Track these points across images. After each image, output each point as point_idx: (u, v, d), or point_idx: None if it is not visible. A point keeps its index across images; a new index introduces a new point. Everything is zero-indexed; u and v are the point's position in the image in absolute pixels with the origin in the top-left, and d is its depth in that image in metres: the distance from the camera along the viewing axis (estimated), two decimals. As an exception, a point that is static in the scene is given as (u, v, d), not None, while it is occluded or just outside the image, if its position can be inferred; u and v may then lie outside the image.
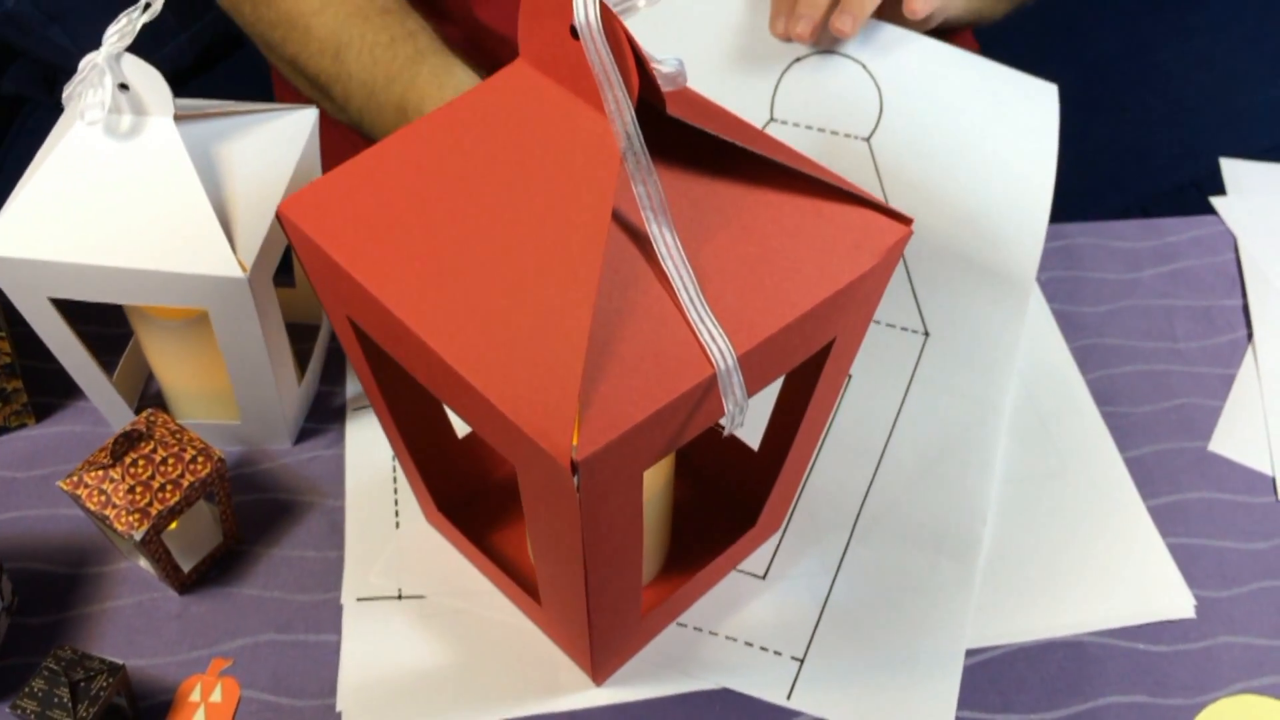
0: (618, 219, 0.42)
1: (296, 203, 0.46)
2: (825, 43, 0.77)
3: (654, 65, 0.40)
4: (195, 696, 0.57)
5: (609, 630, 0.54)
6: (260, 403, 0.64)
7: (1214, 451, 0.69)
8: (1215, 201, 0.84)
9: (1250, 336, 0.75)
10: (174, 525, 0.61)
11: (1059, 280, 0.78)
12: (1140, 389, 0.72)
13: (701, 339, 0.42)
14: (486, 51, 0.85)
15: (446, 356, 0.41)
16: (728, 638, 0.60)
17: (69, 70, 0.58)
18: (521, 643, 0.59)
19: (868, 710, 0.57)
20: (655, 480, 0.55)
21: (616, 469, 0.41)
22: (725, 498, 0.63)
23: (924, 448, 0.68)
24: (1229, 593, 0.62)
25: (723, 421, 0.44)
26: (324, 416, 0.70)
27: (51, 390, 0.70)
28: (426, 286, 0.43)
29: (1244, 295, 0.78)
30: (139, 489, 0.56)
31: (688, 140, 0.44)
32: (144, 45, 0.55)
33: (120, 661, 0.54)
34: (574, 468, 0.39)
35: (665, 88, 0.42)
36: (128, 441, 0.57)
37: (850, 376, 0.72)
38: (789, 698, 0.57)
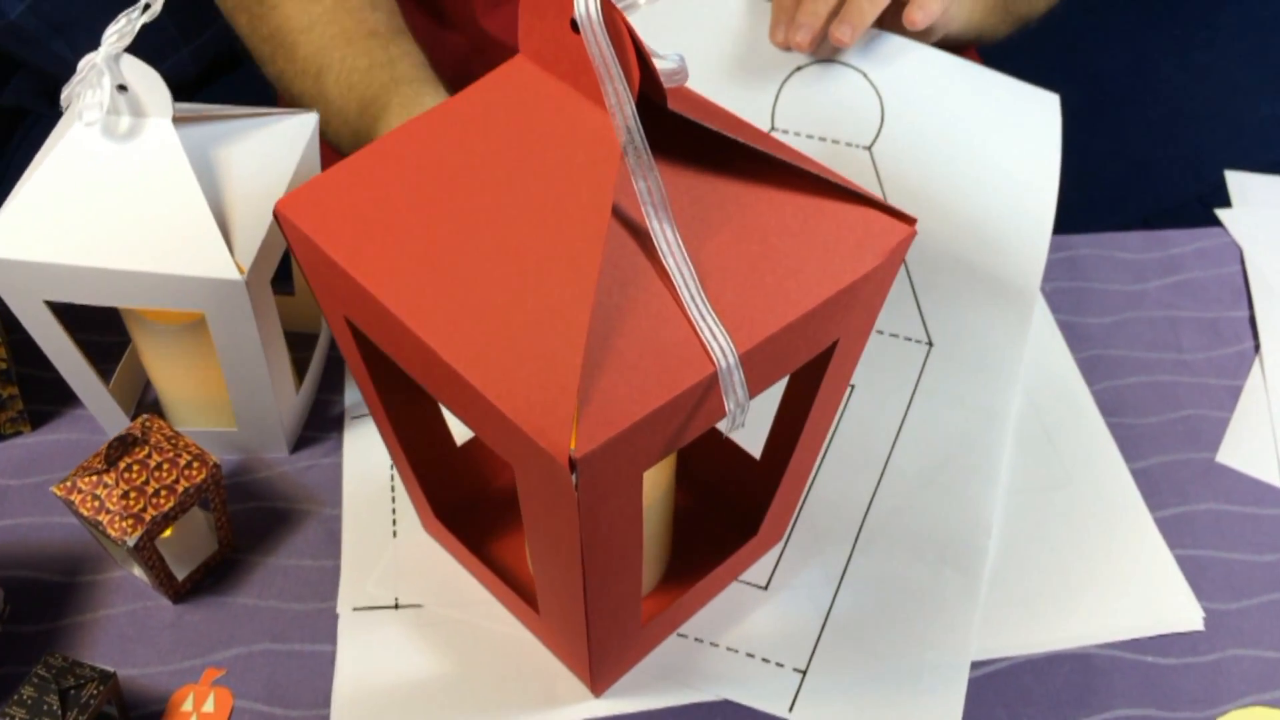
0: (618, 215, 0.42)
1: (294, 201, 0.46)
2: (825, 52, 0.77)
3: (655, 60, 0.40)
4: (188, 706, 0.56)
5: (608, 640, 0.53)
6: (257, 410, 0.63)
7: (1222, 463, 0.68)
8: (1220, 213, 0.84)
9: (1257, 348, 0.75)
10: (168, 533, 0.61)
11: (1063, 291, 0.78)
12: (1146, 400, 0.71)
13: (702, 337, 0.41)
14: (491, 60, 0.85)
15: (443, 354, 0.41)
16: (729, 649, 0.59)
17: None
18: (519, 653, 0.58)
19: (871, 722, 0.56)
20: (656, 487, 0.54)
21: (616, 468, 0.40)
22: (726, 507, 0.62)
23: (927, 458, 0.67)
24: (1238, 605, 0.61)
25: (723, 424, 0.43)
26: (322, 425, 0.69)
27: (48, 398, 0.69)
28: (424, 284, 0.42)
29: (1250, 307, 0.77)
30: (133, 494, 0.56)
31: (689, 137, 0.43)
32: (145, 58, 0.55)
33: (111, 669, 0.53)
34: (572, 466, 0.38)
35: (667, 84, 0.42)
36: (122, 446, 0.57)
37: (853, 386, 0.71)
38: (791, 710, 0.56)
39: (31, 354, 0.69)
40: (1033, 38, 0.92)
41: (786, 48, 0.76)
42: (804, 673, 0.58)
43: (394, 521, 0.64)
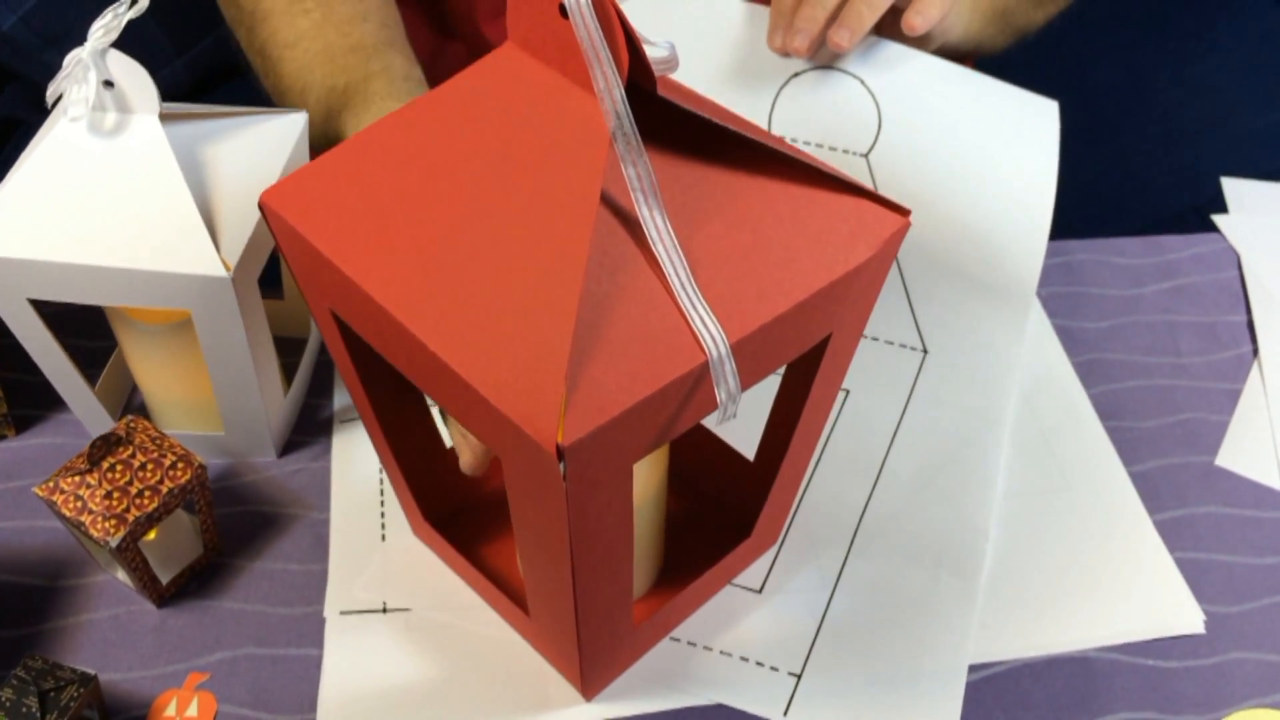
0: (607, 202, 0.41)
1: (278, 192, 0.45)
2: (823, 58, 0.77)
3: (645, 46, 0.40)
4: (171, 711, 0.55)
5: (599, 642, 0.52)
6: (244, 412, 0.62)
7: (1221, 466, 0.67)
8: (1217, 219, 0.83)
9: (1256, 352, 0.74)
10: (152, 535, 0.60)
11: (1060, 296, 0.77)
12: (1144, 404, 0.70)
13: (693, 325, 0.40)
14: None
15: (429, 342, 0.40)
16: (722, 652, 0.58)
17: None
18: (509, 657, 0.57)
19: (868, 727, 0.55)
20: (647, 487, 0.53)
21: (605, 459, 0.40)
22: (720, 510, 0.61)
23: (923, 462, 0.67)
24: (1240, 608, 0.60)
25: (714, 415, 0.42)
26: (310, 429, 0.68)
27: (33, 403, 0.68)
28: (410, 273, 0.42)
29: (1248, 311, 0.76)
30: (116, 494, 0.55)
31: (680, 125, 0.43)
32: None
33: (92, 671, 0.52)
34: (560, 455, 0.37)
35: (657, 71, 0.41)
36: (106, 446, 0.56)
37: (847, 392, 0.71)
38: (786, 714, 0.55)
39: (16, 358, 0.68)
40: (1029, 51, 0.92)
41: (784, 53, 0.76)
42: (799, 676, 0.57)
43: (383, 525, 0.63)
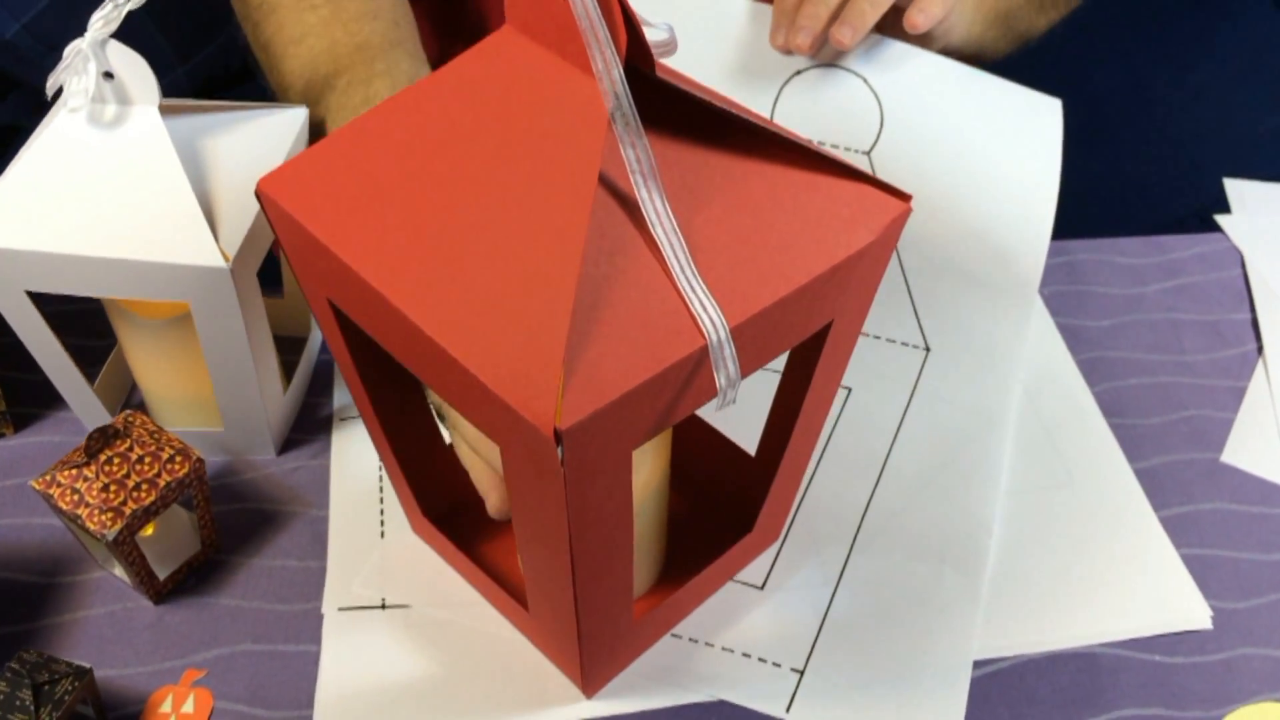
0: (606, 184, 0.41)
1: (275, 179, 0.45)
2: (825, 56, 0.77)
3: (644, 28, 0.39)
4: (166, 707, 0.55)
5: (599, 637, 0.51)
6: (243, 407, 0.62)
7: (1227, 463, 0.66)
8: (1220, 219, 0.83)
9: (1260, 350, 0.73)
10: (150, 531, 0.59)
11: (1062, 294, 0.77)
12: (1149, 401, 0.70)
13: (692, 309, 0.40)
14: None
15: (425, 327, 0.40)
16: (724, 649, 0.57)
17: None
18: (509, 653, 0.57)
19: (871, 723, 0.55)
20: (649, 482, 0.53)
21: (603, 444, 0.39)
22: (722, 505, 0.61)
23: (926, 460, 0.66)
24: (1247, 604, 0.60)
25: (714, 401, 0.42)
26: (310, 427, 0.68)
27: (31, 401, 0.68)
28: (406, 258, 0.41)
29: (1252, 309, 0.76)
30: (113, 487, 0.54)
31: (679, 109, 0.42)
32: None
33: (87, 665, 0.51)
34: (558, 439, 0.37)
35: (656, 54, 0.41)
36: (103, 439, 0.55)
37: (849, 390, 0.70)
38: (788, 710, 0.55)
39: (15, 357, 0.68)
40: (1030, 56, 0.92)
41: (787, 51, 0.76)
42: (801, 673, 0.56)
43: (382, 522, 0.62)
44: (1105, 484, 0.65)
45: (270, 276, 0.63)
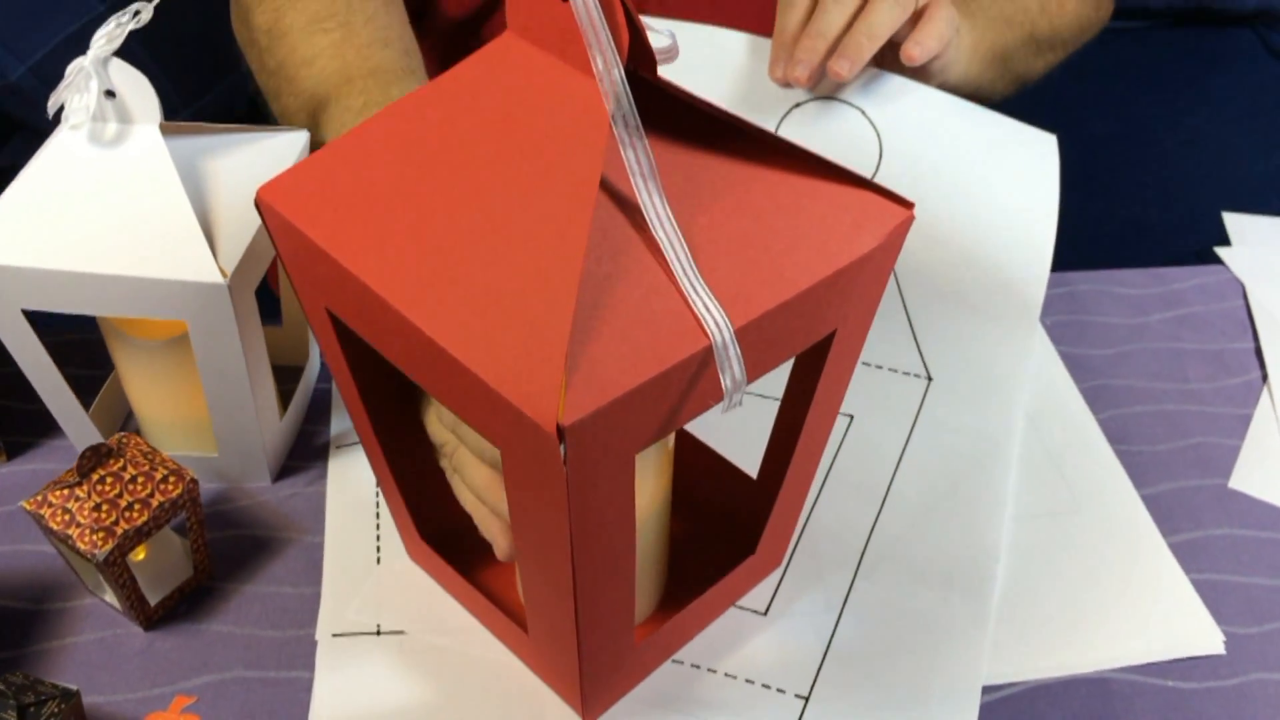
0: (607, 187, 0.40)
1: (275, 187, 0.45)
2: (824, 89, 0.77)
3: (647, 32, 0.39)
4: (155, 734, 0.53)
5: (600, 659, 0.50)
6: (239, 431, 0.61)
7: (1235, 489, 0.66)
8: (1221, 251, 0.83)
9: (1265, 378, 0.73)
10: (142, 555, 0.58)
11: (1064, 325, 0.76)
12: (1154, 428, 0.69)
13: (696, 310, 0.39)
14: None
15: (425, 327, 0.39)
16: (727, 675, 0.56)
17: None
18: (507, 679, 0.55)
19: (879, 750, 0.53)
20: (652, 502, 0.52)
21: (606, 444, 0.38)
22: (724, 529, 0.60)
23: (929, 486, 0.65)
24: (1260, 629, 0.58)
25: (720, 405, 0.41)
26: (306, 455, 0.67)
27: (26, 430, 0.67)
28: (406, 260, 0.41)
29: (1255, 339, 0.76)
30: (105, 507, 0.54)
31: (680, 115, 0.42)
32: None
33: (74, 687, 0.50)
34: (560, 436, 0.36)
35: (658, 60, 0.41)
36: (96, 457, 0.55)
37: (851, 418, 0.69)
38: (793, 737, 0.53)
39: (11, 385, 0.67)
40: (1027, 103, 0.93)
41: (786, 84, 0.76)
42: (806, 699, 0.55)
43: (378, 549, 0.61)
44: (1112, 510, 0.64)
45: (269, 307, 0.63)
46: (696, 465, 0.61)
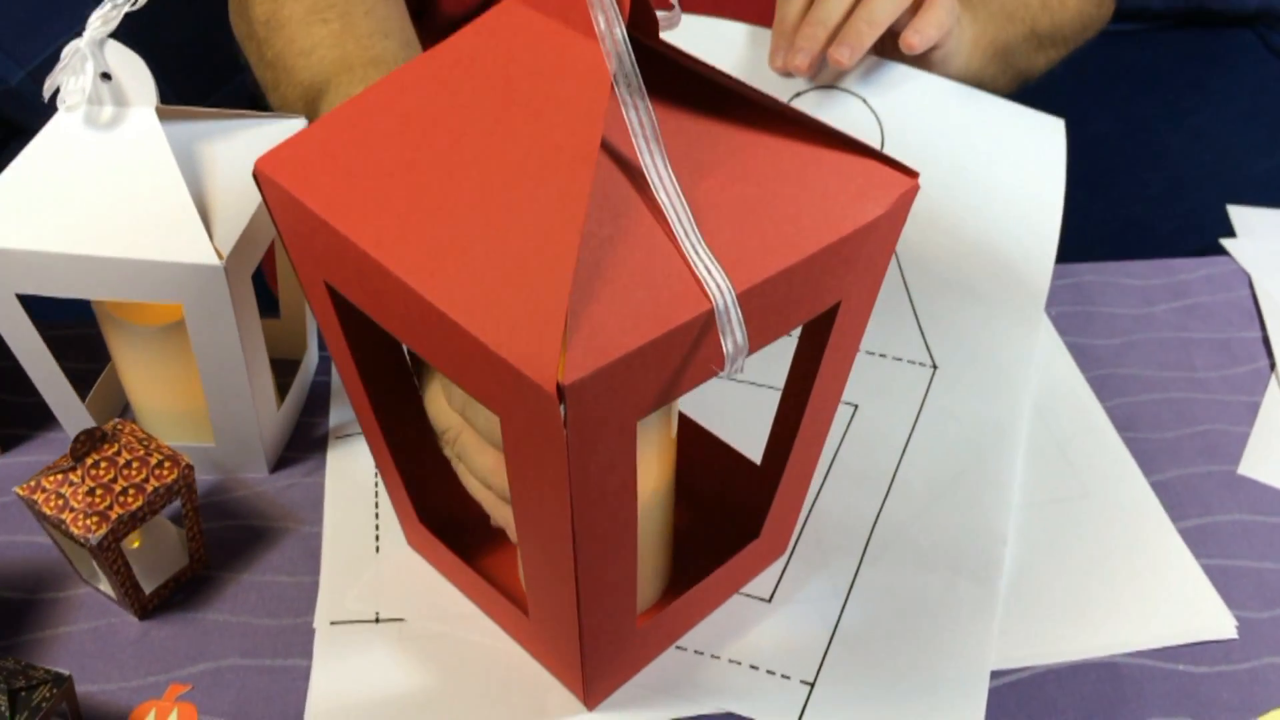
0: (608, 149, 0.40)
1: (273, 158, 0.44)
2: (825, 78, 0.77)
3: (647, -8, 0.39)
4: (149, 722, 0.52)
5: (601, 639, 0.49)
6: (235, 418, 0.60)
7: (1244, 475, 0.65)
8: (1226, 243, 0.83)
9: (1273, 366, 0.72)
10: (137, 543, 0.58)
11: (1069, 315, 0.76)
12: (1161, 416, 0.69)
13: (698, 273, 0.39)
14: None
15: (422, 290, 0.39)
16: (731, 661, 0.55)
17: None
18: (508, 666, 0.55)
19: (886, 736, 0.52)
20: (655, 488, 0.51)
21: (607, 406, 0.38)
22: (727, 517, 0.59)
23: (935, 473, 0.64)
24: (1272, 613, 0.57)
25: (722, 371, 0.41)
26: (304, 446, 0.66)
27: (22, 423, 0.67)
28: (405, 226, 0.40)
29: (1263, 328, 0.75)
30: (99, 491, 0.53)
31: (682, 81, 0.42)
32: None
33: (66, 672, 0.49)
34: (561, 396, 0.36)
35: (660, 25, 0.41)
36: (90, 441, 0.54)
37: (855, 407, 0.69)
38: (799, 723, 0.52)
39: (5, 378, 0.67)
40: (1029, 104, 0.93)
41: (786, 73, 0.76)
42: (812, 685, 0.54)
43: (377, 538, 0.61)
44: (1121, 496, 0.63)
45: (267, 303, 0.62)
46: (700, 452, 0.60)
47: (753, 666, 0.55)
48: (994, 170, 0.76)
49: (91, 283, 0.54)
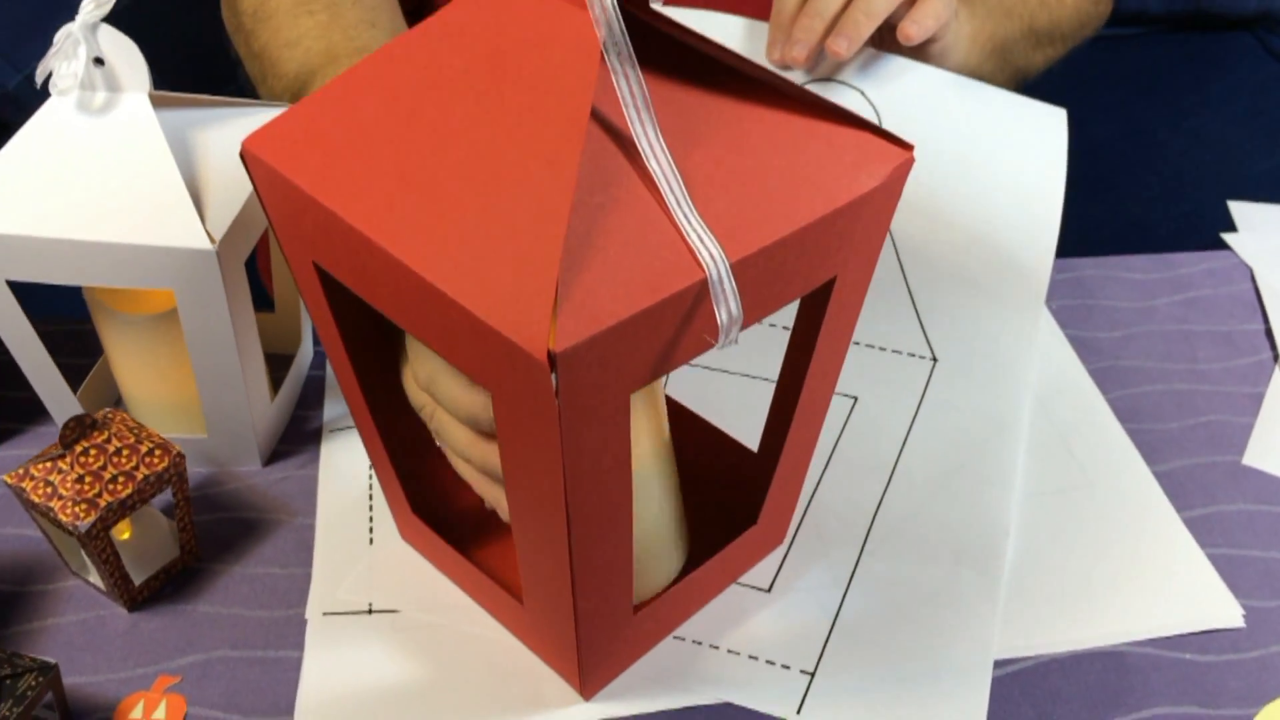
0: (599, 119, 0.39)
1: (260, 137, 0.44)
2: (823, 70, 0.77)
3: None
4: (137, 713, 0.51)
5: (597, 625, 0.48)
6: (228, 409, 0.60)
7: (1249, 465, 0.64)
8: (1228, 237, 0.82)
9: (1276, 357, 0.71)
10: (127, 534, 0.57)
11: (1071, 308, 0.75)
12: (1164, 407, 0.68)
13: (690, 242, 0.38)
14: None
15: (410, 262, 0.38)
16: (730, 651, 0.54)
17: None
18: (502, 656, 0.54)
19: (888, 725, 0.51)
20: (647, 453, 0.50)
21: (599, 378, 0.37)
22: (725, 504, 0.58)
23: (936, 464, 0.64)
24: (1278, 602, 0.56)
25: (716, 343, 0.40)
26: (298, 439, 0.65)
27: (12, 417, 0.66)
28: (393, 200, 0.40)
29: (1265, 320, 0.74)
30: (89, 479, 0.52)
31: (675, 51, 0.41)
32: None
33: (52, 661, 0.48)
34: (552, 364, 0.35)
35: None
36: (80, 428, 0.53)
37: (855, 399, 0.68)
38: (799, 712, 0.51)
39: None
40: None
41: (784, 65, 0.76)
42: (812, 675, 0.53)
43: (370, 530, 0.60)
44: (1125, 485, 0.63)
45: (262, 299, 0.61)
46: (696, 440, 0.59)
47: (752, 656, 0.54)
48: (994, 162, 0.75)
49: (83, 268, 0.53)
